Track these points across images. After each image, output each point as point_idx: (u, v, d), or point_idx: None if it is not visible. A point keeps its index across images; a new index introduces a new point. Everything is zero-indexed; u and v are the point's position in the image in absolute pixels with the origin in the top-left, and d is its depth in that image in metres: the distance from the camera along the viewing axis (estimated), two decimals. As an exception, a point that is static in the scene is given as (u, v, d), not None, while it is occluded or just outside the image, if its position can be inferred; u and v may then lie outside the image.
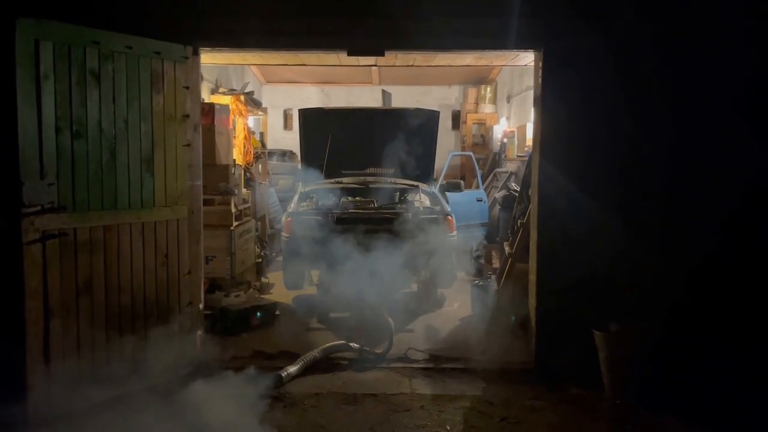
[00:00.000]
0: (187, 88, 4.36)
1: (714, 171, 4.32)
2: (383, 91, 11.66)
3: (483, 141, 12.86)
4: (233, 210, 6.42)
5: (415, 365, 4.69)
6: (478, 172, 9.49)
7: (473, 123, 13.16)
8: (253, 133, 8.97)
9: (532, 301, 4.67)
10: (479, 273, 7.30)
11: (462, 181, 8.43)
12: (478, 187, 9.20)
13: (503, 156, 11.22)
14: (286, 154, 11.93)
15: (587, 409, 3.98)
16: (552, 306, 4.49)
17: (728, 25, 4.25)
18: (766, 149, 4.25)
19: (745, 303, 4.26)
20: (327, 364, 4.64)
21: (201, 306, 4.56)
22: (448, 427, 3.71)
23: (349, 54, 4.70)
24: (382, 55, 4.73)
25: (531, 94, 4.91)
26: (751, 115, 4.26)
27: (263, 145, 9.93)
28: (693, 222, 4.34)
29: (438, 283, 6.48)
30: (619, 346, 4.09)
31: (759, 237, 4.28)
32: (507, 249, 5.96)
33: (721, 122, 4.30)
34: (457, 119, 13.99)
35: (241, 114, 8.09)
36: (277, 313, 5.79)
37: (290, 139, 12.79)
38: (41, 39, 3.61)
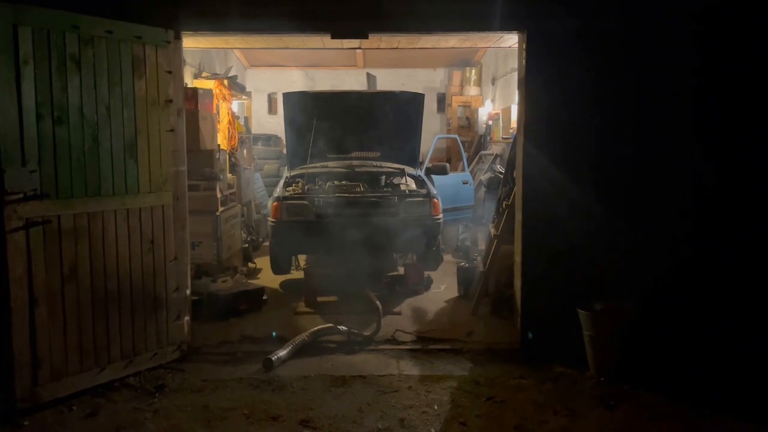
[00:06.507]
0: (170, 72, 4.31)
1: (692, 152, 4.38)
2: (368, 75, 11.61)
3: (468, 123, 12.87)
4: (218, 195, 6.40)
5: (402, 347, 4.73)
6: (464, 155, 9.51)
7: (458, 105, 13.17)
8: (238, 117, 8.91)
9: (518, 282, 4.72)
10: (465, 255, 7.35)
11: (448, 164, 8.44)
12: (463, 169, 9.22)
13: (488, 138, 11.25)
14: (271, 139, 11.87)
15: (571, 386, 4.05)
16: (537, 286, 4.55)
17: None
18: (743, 128, 4.33)
19: (725, 281, 4.34)
20: (316, 347, 4.67)
21: (188, 292, 4.56)
22: (436, 407, 3.76)
23: (333, 36, 4.67)
24: (366, 37, 4.70)
25: (515, 76, 4.92)
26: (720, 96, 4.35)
27: (248, 129, 9.87)
28: (672, 201, 4.41)
29: (425, 266, 6.52)
30: (603, 324, 4.16)
31: (737, 215, 4.36)
32: (492, 231, 6.00)
33: (696, 104, 4.37)
34: (442, 102, 13.98)
35: (224, 98, 8.02)
36: (265, 297, 5.80)
37: (275, 124, 12.71)
38: (20, 24, 3.55)
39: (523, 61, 4.51)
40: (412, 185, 6.66)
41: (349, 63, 12.97)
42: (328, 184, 6.55)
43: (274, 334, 4.65)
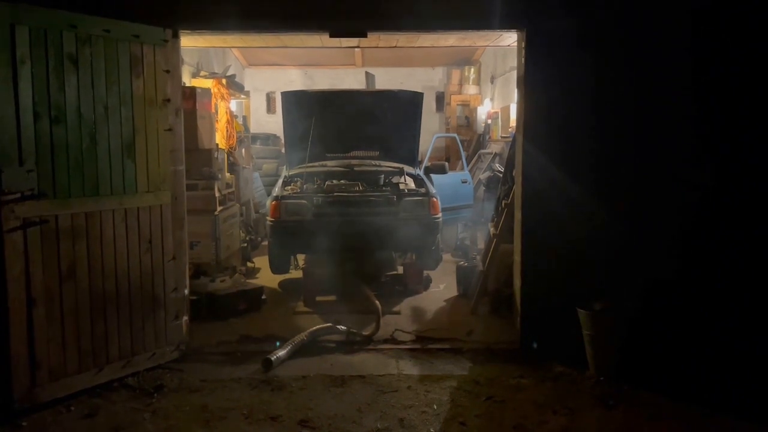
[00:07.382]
0: (168, 71, 4.30)
1: (691, 152, 4.37)
2: (367, 73, 11.60)
3: (467, 122, 12.85)
4: (217, 195, 6.38)
5: (402, 346, 4.72)
6: (463, 154, 9.49)
7: (457, 104, 13.15)
8: (236, 116, 8.88)
9: (517, 282, 4.71)
10: (464, 254, 7.35)
11: (447, 163, 8.43)
12: (462, 168, 9.21)
13: (488, 137, 11.24)
14: (269, 138, 11.84)
15: (571, 386, 4.04)
16: (536, 286, 4.54)
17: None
18: (739, 126, 4.33)
19: (725, 281, 4.33)
20: (315, 347, 4.66)
21: (186, 291, 4.54)
22: (435, 407, 3.75)
23: (331, 35, 4.66)
24: (365, 36, 4.69)
25: (514, 74, 4.91)
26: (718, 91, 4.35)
27: (246, 128, 9.85)
28: (672, 201, 4.40)
29: (424, 265, 6.51)
30: (603, 324, 4.15)
31: (737, 215, 4.35)
32: (492, 230, 5.99)
33: (696, 104, 4.36)
34: (441, 101, 13.96)
35: (223, 98, 8.01)
36: (264, 297, 5.79)
37: (274, 123, 12.70)
38: (17, 23, 3.53)
39: (523, 59, 4.50)
40: (411, 184, 6.65)
41: (347, 62, 12.95)
42: (326, 183, 6.54)
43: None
